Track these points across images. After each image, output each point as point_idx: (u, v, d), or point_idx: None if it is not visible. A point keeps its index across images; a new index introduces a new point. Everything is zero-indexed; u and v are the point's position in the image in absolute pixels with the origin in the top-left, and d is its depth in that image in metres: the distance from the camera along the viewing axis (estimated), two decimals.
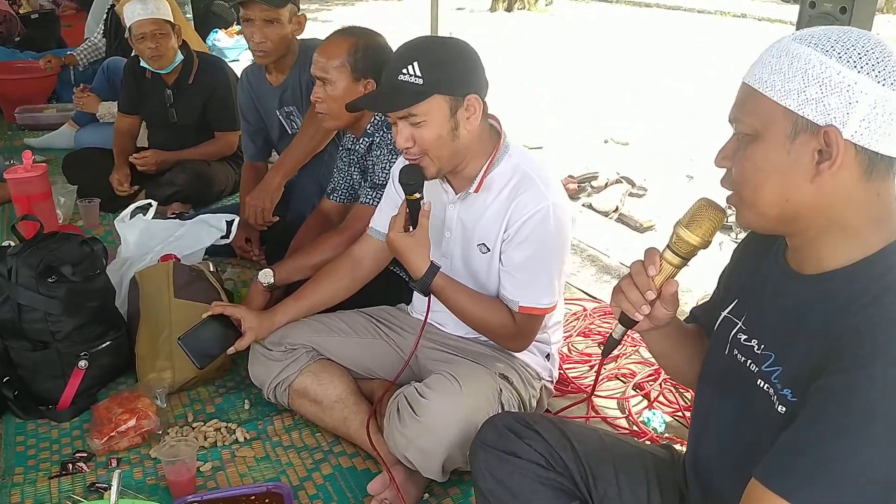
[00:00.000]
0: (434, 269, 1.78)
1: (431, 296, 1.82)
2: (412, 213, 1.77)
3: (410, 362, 2.03)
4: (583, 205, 4.24)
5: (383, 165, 2.31)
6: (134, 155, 3.59)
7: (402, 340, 2.08)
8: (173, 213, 3.47)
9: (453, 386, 1.72)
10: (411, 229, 1.78)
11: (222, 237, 2.79)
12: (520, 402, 1.86)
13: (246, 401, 2.21)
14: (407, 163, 1.81)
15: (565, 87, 7.41)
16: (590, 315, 2.64)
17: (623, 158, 5.21)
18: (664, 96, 7.10)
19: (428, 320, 2.03)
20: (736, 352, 1.21)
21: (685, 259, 1.20)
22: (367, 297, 2.20)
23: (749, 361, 1.17)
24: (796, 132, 1.02)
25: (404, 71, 1.66)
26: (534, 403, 1.93)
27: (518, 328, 1.81)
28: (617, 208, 4.12)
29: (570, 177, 4.57)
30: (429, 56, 1.68)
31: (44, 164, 3.17)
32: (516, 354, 1.93)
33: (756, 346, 1.17)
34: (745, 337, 1.20)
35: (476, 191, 1.81)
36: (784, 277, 1.16)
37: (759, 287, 1.20)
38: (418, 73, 1.66)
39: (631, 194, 4.33)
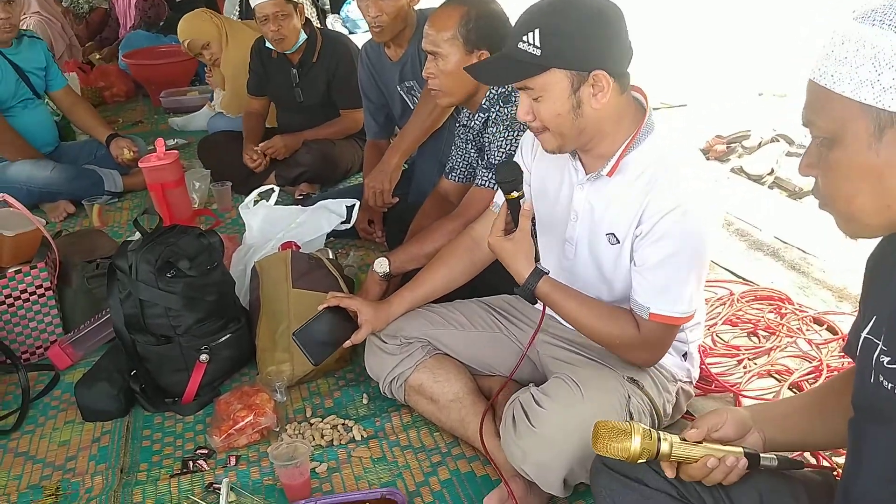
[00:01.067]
0: (538, 273, 1.62)
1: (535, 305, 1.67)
2: (512, 213, 1.62)
3: (532, 357, 1.89)
4: (732, 169, 3.87)
5: (499, 143, 2.14)
6: (261, 145, 3.59)
7: (523, 334, 1.92)
8: (301, 194, 3.48)
9: (574, 393, 1.55)
10: (513, 230, 1.63)
11: (343, 222, 2.73)
12: (652, 410, 1.66)
13: (364, 395, 2.14)
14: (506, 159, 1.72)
15: (707, 34, 6.84)
16: (737, 300, 2.35)
17: (781, 113, 4.73)
18: (821, 36, 6.41)
19: (554, 313, 1.87)
20: (882, 378, 0.99)
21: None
22: (485, 283, 2.05)
23: None
24: (881, 128, 0.88)
25: (524, 39, 1.48)
26: (669, 409, 1.72)
27: (644, 339, 1.59)
28: (772, 171, 3.72)
29: (718, 136, 4.18)
30: (553, 23, 1.47)
31: (175, 152, 3.22)
32: None
33: None
34: (889, 359, 0.99)
35: (609, 174, 1.60)
36: None
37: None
38: (537, 43, 1.46)
39: (789, 154, 3.90)
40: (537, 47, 1.46)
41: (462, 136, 2.41)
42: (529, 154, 1.86)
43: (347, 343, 1.94)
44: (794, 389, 1.95)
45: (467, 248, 1.97)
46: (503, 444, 1.62)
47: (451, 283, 2.00)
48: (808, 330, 2.17)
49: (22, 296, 2.37)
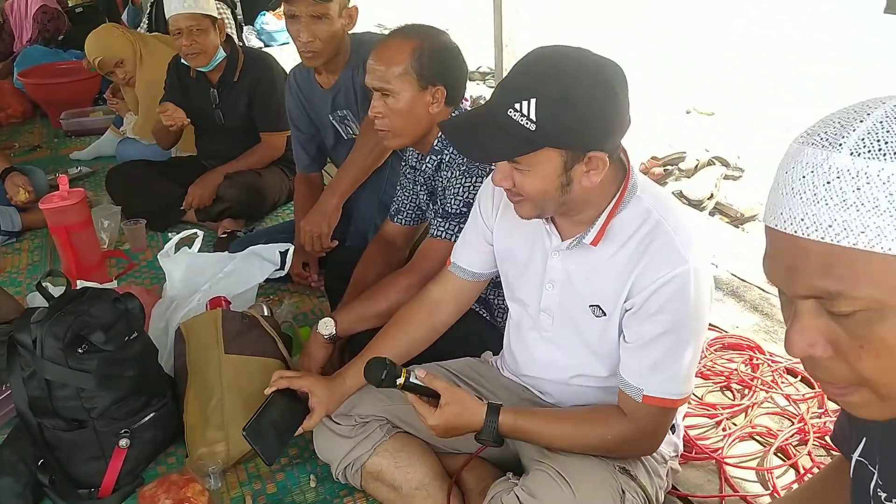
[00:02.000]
0: (494, 408, 1.50)
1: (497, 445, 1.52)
2: (421, 392, 1.52)
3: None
4: (672, 192, 3.80)
5: (455, 191, 1.95)
6: (184, 204, 3.30)
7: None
8: (226, 232, 3.20)
9: (563, 492, 1.37)
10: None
11: (277, 269, 2.48)
12: (645, 501, 1.49)
13: (312, 476, 1.90)
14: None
15: (634, 50, 6.87)
16: (707, 350, 2.22)
17: (709, 131, 4.73)
18: (748, 55, 6.50)
19: (525, 383, 1.70)
20: None
21: None
22: (445, 342, 1.87)
23: None
24: None
25: (516, 107, 1.27)
26: (661, 497, 1.56)
27: (639, 427, 1.43)
28: (712, 195, 3.68)
29: (654, 158, 4.13)
30: (553, 96, 1.25)
31: (81, 190, 2.89)
32: None
33: None
34: (886, 495, 0.83)
35: (594, 243, 1.42)
36: None
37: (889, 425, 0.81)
38: (532, 116, 1.26)
39: (726, 177, 3.87)
40: (532, 121, 1.26)
41: (409, 176, 2.21)
42: (490, 210, 1.68)
43: (299, 431, 1.72)
44: (780, 455, 1.83)
45: (426, 312, 1.79)
46: None
47: (410, 350, 1.81)
48: (783, 383, 2.06)
49: None
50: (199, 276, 2.44)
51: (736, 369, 2.11)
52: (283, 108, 3.30)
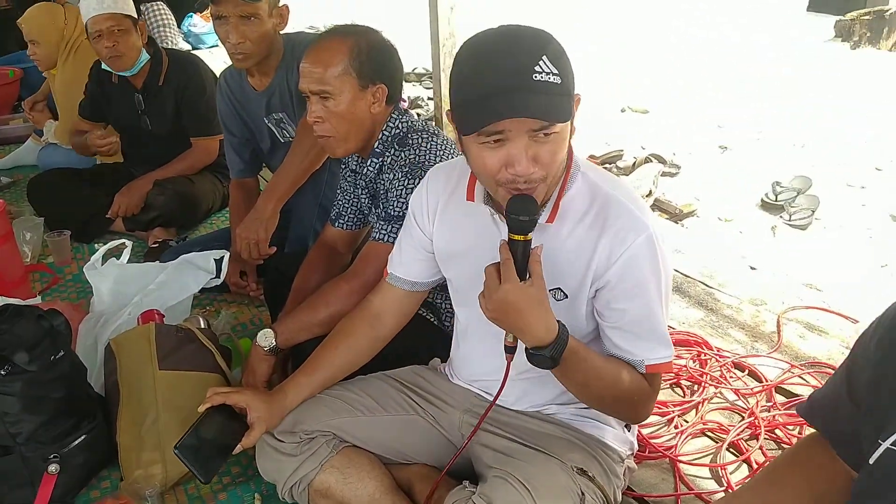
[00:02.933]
0: (565, 329, 1.31)
1: (549, 367, 1.34)
2: (522, 257, 1.28)
3: (455, 440, 1.66)
4: None
5: (398, 193, 1.89)
6: (108, 214, 3.15)
7: (444, 416, 1.68)
8: (157, 241, 3.07)
9: (522, 499, 1.33)
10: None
11: (212, 278, 2.38)
12: (604, 502, 1.46)
13: (256, 495, 1.82)
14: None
15: (574, 51, 6.91)
16: None
17: (644, 129, 4.78)
18: (679, 51, 6.61)
19: (480, 390, 1.65)
20: None
21: None
22: (391, 349, 1.81)
23: None
24: None
25: (537, 68, 1.20)
26: (619, 496, 1.54)
27: (653, 392, 1.44)
28: (650, 192, 3.71)
29: (592, 156, 4.14)
30: (551, 44, 1.23)
31: (1, 201, 2.73)
32: (592, 433, 1.54)
33: None
34: None
35: (550, 220, 1.38)
36: None
37: None
38: (553, 70, 1.21)
39: (663, 174, 3.91)
40: (555, 74, 1.21)
41: (350, 180, 2.14)
42: (425, 217, 1.62)
43: (238, 449, 1.63)
44: (732, 450, 1.83)
45: (368, 323, 1.73)
46: None
47: (353, 362, 1.75)
48: (731, 377, 2.07)
49: None
50: (128, 289, 2.33)
51: (685, 366, 2.11)
52: (213, 112, 3.18)
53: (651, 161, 3.97)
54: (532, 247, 1.28)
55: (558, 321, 1.30)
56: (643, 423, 1.88)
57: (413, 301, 1.73)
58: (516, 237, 1.27)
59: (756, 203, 3.58)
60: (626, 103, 5.29)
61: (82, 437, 1.82)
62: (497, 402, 1.60)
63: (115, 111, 3.30)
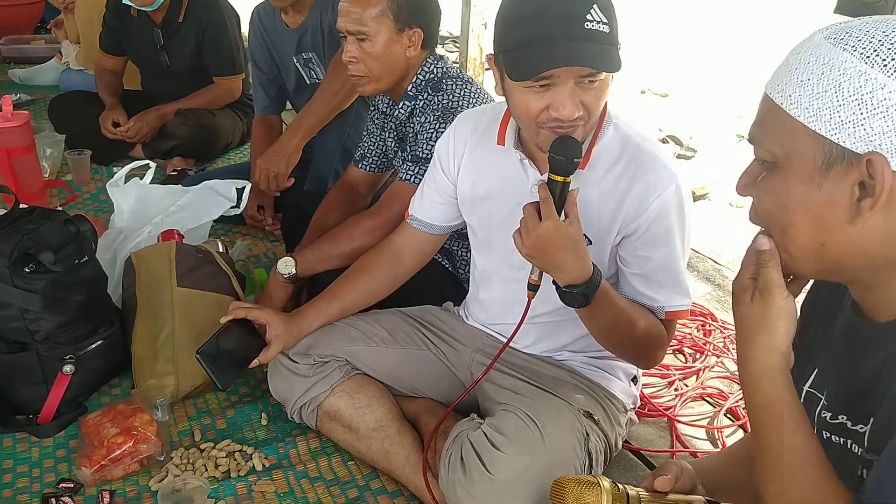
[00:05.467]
0: (599, 270, 1.34)
1: (580, 307, 1.36)
2: (560, 198, 1.30)
3: (463, 378, 1.71)
4: None
5: (429, 136, 1.91)
6: (118, 130, 3.15)
7: (455, 354, 1.72)
8: (175, 170, 3.09)
9: (533, 434, 1.38)
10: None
11: (232, 207, 2.41)
12: (606, 447, 1.51)
13: (263, 415, 1.86)
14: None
15: None
16: None
17: (663, 112, 4.79)
18: (703, 40, 6.59)
19: (495, 332, 1.68)
20: (828, 434, 0.92)
21: None
22: (407, 290, 1.84)
23: (850, 443, 0.89)
24: (829, 163, 0.80)
25: (588, 17, 1.23)
26: (619, 444, 1.59)
27: (668, 338, 1.49)
28: None
29: None
30: None
31: (26, 113, 2.74)
32: (600, 382, 1.58)
33: (848, 423, 0.88)
34: (831, 414, 0.91)
35: (582, 167, 1.41)
36: (857, 329, 0.89)
37: (835, 346, 0.93)
38: (603, 18, 1.25)
39: (679, 156, 3.93)
40: (605, 23, 1.25)
41: (378, 122, 2.16)
42: (452, 160, 1.65)
43: (255, 363, 1.67)
44: (729, 416, 1.88)
45: (388, 261, 1.76)
46: (446, 486, 1.42)
47: (371, 296, 1.78)
48: (734, 349, 2.11)
49: None
50: (149, 209, 2.35)
51: (689, 334, 2.15)
52: (236, 51, 3.20)
53: (668, 143, 4.00)
54: (570, 189, 1.31)
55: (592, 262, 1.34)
56: (645, 382, 1.95)
57: (432, 244, 1.76)
58: (557, 178, 1.29)
59: None
60: (645, 85, 5.30)
61: (98, 343, 1.86)
62: (511, 344, 1.64)
63: (133, 45, 3.29)
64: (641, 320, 1.43)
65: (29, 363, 1.78)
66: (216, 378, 1.62)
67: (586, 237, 1.45)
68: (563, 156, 1.28)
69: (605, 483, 1.04)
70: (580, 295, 1.31)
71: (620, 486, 1.06)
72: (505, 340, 1.63)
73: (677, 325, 2.18)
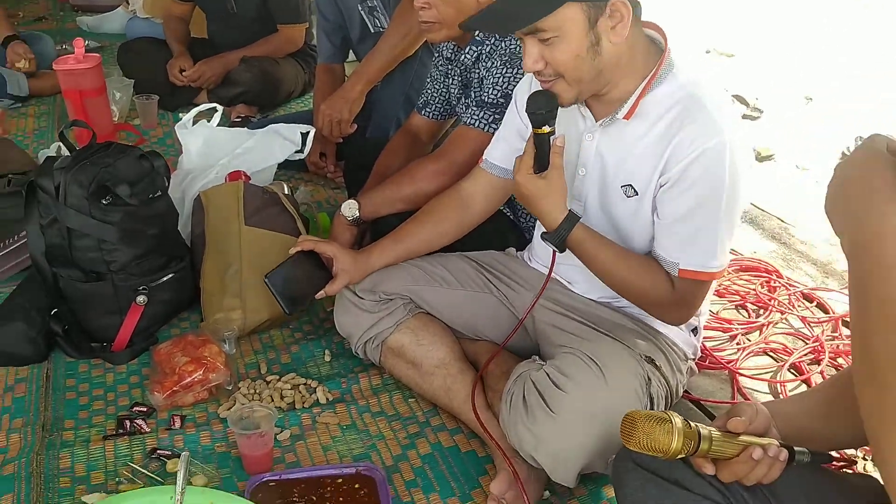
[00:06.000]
0: (573, 218, 1.42)
1: (556, 250, 1.47)
2: (541, 150, 1.41)
3: (525, 325, 1.70)
4: None
5: (495, 80, 1.90)
6: (185, 74, 3.19)
7: (517, 297, 1.73)
8: (239, 117, 3.14)
9: (596, 376, 1.38)
10: (542, 170, 1.43)
11: (297, 151, 2.44)
12: (667, 393, 1.51)
13: (326, 351, 1.90)
14: (536, 87, 1.45)
15: None
16: (725, 271, 2.23)
17: (729, 72, 4.67)
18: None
19: (556, 274, 1.68)
20: None
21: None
22: (469, 238, 1.85)
23: None
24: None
25: None
26: (680, 391, 1.58)
27: (678, 296, 1.44)
28: None
29: None
30: None
31: (97, 55, 2.82)
32: (661, 329, 1.57)
33: None
34: None
35: (627, 117, 1.41)
36: None
37: None
38: None
39: (745, 116, 3.83)
40: None
41: (442, 68, 2.16)
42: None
43: (321, 294, 1.71)
44: (793, 371, 1.86)
45: (455, 207, 1.76)
46: (507, 426, 1.44)
47: (437, 239, 1.79)
48: (799, 306, 2.08)
49: None
50: (216, 150, 2.39)
51: (754, 290, 2.12)
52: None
53: (734, 102, 3.90)
54: (554, 138, 1.40)
55: (570, 212, 1.42)
56: (707, 335, 1.93)
57: (503, 190, 1.75)
58: (537, 130, 1.40)
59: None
60: (711, 45, 5.16)
61: (170, 276, 1.92)
62: (571, 289, 1.66)
63: None
64: (638, 275, 1.44)
65: (104, 293, 1.84)
66: (283, 302, 1.66)
67: (632, 187, 1.45)
68: (532, 110, 1.40)
69: (677, 420, 1.03)
70: (552, 238, 1.43)
71: (692, 424, 1.05)
72: (563, 282, 1.66)
73: (736, 280, 2.18)
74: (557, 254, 1.49)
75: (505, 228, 2.04)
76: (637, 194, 1.45)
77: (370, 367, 1.83)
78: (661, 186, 1.41)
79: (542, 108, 1.39)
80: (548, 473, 1.40)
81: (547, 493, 1.51)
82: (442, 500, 1.50)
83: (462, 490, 1.52)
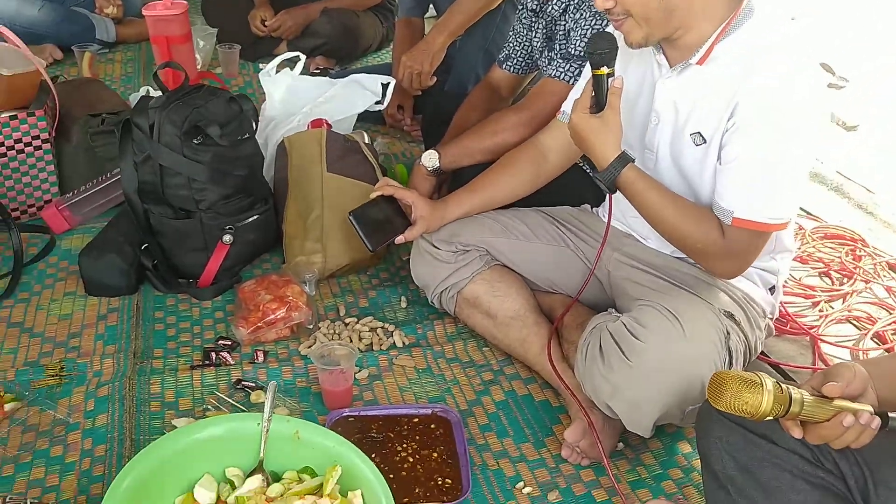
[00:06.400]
0: (625, 158, 1.42)
1: (613, 195, 1.48)
2: (598, 91, 1.42)
3: (600, 276, 1.70)
4: None
5: (583, 32, 1.88)
6: (268, 24, 3.23)
7: (591, 251, 1.72)
8: (318, 68, 3.18)
9: (673, 327, 1.37)
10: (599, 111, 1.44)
11: (377, 102, 2.46)
12: (746, 348, 1.49)
13: (403, 298, 1.94)
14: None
15: None
16: (807, 236, 2.19)
17: (812, 39, 4.51)
18: None
19: (628, 227, 1.67)
20: None
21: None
22: (546, 193, 1.85)
23: None
24: None
25: None
26: (759, 348, 1.56)
27: (728, 246, 1.40)
28: None
29: None
30: None
31: (185, 3, 2.87)
32: (739, 285, 1.55)
33: None
34: None
35: (700, 62, 1.39)
36: None
37: None
38: None
39: (830, 85, 3.70)
40: None
41: (525, 21, 2.14)
42: None
43: (400, 238, 1.73)
44: (876, 340, 1.82)
45: (533, 158, 1.75)
46: (584, 375, 1.45)
47: (513, 193, 1.79)
48: (884, 276, 2.02)
49: (16, 146, 2.09)
50: (299, 98, 2.42)
51: (839, 258, 2.07)
52: None
53: (818, 69, 3.77)
54: (612, 79, 1.40)
55: (623, 152, 1.42)
56: (788, 301, 1.90)
57: None
58: (595, 71, 1.41)
59: None
60: (794, 13, 4.98)
61: (255, 217, 1.97)
62: (639, 239, 1.66)
63: None
64: (686, 221, 1.42)
65: (193, 230, 1.90)
66: (366, 238, 1.70)
67: (700, 135, 1.42)
68: (591, 50, 1.40)
69: (769, 383, 1.00)
70: (603, 177, 1.44)
71: (784, 387, 1.02)
72: (639, 238, 1.65)
73: (821, 247, 2.14)
74: (613, 201, 1.49)
75: (581, 184, 2.03)
76: (705, 142, 1.42)
77: (445, 315, 1.86)
78: (726, 132, 1.38)
79: (601, 49, 1.39)
80: (623, 422, 1.41)
81: (621, 444, 1.52)
82: (515, 444, 1.53)
83: (536, 437, 1.55)
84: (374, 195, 1.75)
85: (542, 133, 1.77)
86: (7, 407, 1.52)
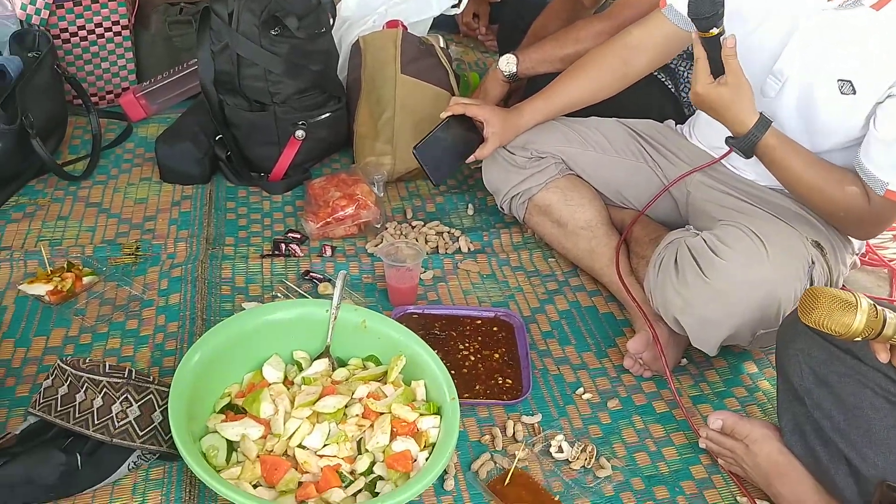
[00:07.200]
0: (764, 123, 1.32)
1: (743, 156, 1.38)
2: (712, 55, 1.30)
3: (677, 196, 1.65)
4: None
5: None
6: None
7: (672, 169, 1.66)
8: None
9: (757, 249, 1.32)
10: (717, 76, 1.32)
11: (453, 6, 2.40)
12: (828, 280, 1.44)
13: (469, 205, 1.93)
14: None
15: None
16: None
17: None
18: None
19: (724, 160, 1.55)
20: None
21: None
22: (627, 109, 1.78)
23: None
24: None
25: None
26: (840, 283, 1.51)
27: (874, 213, 1.33)
28: None
29: None
30: None
31: None
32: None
33: None
34: None
35: (877, 6, 1.26)
36: None
37: None
38: None
39: None
40: None
41: None
42: None
43: (471, 159, 1.70)
44: None
45: (620, 56, 1.64)
46: (655, 288, 1.42)
47: (593, 95, 1.70)
48: None
49: (96, 30, 2.10)
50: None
51: None
52: None
53: None
54: (724, 38, 1.27)
55: (762, 116, 1.31)
56: None
57: (677, 44, 1.61)
58: (703, 34, 1.29)
59: None
60: None
61: (327, 115, 1.96)
62: (733, 171, 1.58)
63: None
64: (830, 186, 1.34)
65: (266, 123, 1.91)
66: (431, 174, 1.67)
67: (851, 84, 1.31)
68: (696, 14, 1.27)
69: (864, 303, 0.98)
70: (741, 144, 1.34)
71: (879, 309, 0.99)
72: (727, 166, 1.58)
73: None
74: (711, 152, 1.43)
75: (664, 100, 1.96)
76: (855, 93, 1.31)
77: (511, 224, 1.85)
78: (890, 97, 1.27)
79: (707, 11, 1.26)
80: (690, 338, 1.39)
81: (684, 360, 1.51)
82: (577, 352, 1.53)
83: (598, 346, 1.55)
84: (444, 115, 1.70)
85: (636, 27, 1.63)
86: (85, 280, 1.58)
